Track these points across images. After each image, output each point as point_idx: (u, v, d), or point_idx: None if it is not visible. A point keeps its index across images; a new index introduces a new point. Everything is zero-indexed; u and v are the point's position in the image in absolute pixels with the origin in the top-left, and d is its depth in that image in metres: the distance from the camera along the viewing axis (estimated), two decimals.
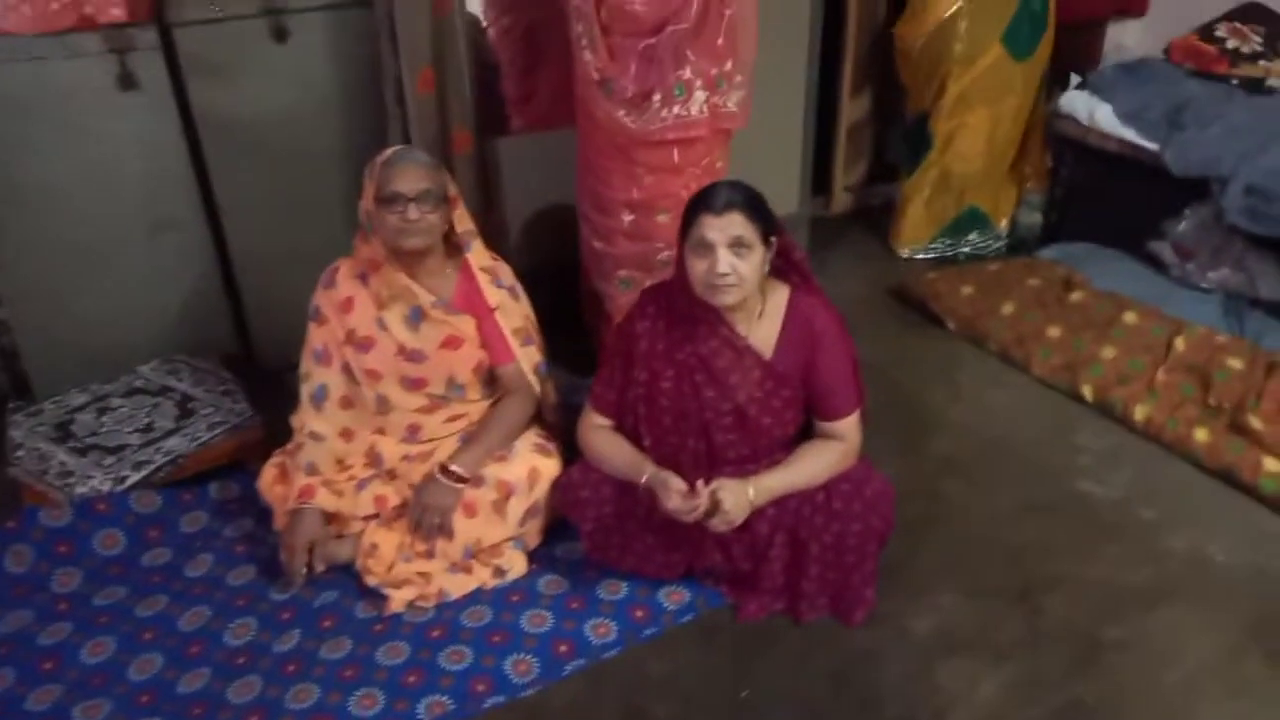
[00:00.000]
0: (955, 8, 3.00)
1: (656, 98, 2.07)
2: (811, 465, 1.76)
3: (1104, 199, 3.13)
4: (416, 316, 1.89)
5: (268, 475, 1.96)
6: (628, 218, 2.22)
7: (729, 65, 2.11)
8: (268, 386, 2.43)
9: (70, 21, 2.13)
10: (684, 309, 1.76)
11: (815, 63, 3.01)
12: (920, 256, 3.36)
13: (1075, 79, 3.20)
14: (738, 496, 1.67)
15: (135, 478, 2.05)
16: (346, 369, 1.93)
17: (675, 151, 2.15)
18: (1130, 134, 2.88)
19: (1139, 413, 2.36)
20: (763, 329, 1.77)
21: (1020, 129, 3.23)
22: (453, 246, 1.95)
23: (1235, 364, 2.37)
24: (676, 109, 2.09)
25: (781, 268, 1.81)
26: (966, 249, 3.37)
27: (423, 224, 1.81)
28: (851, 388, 1.80)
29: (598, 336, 2.43)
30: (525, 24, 2.85)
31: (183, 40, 2.27)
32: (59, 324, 2.38)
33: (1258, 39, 3.08)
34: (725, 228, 1.63)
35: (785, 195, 3.16)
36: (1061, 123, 3.06)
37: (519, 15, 2.85)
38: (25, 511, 1.96)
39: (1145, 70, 3.02)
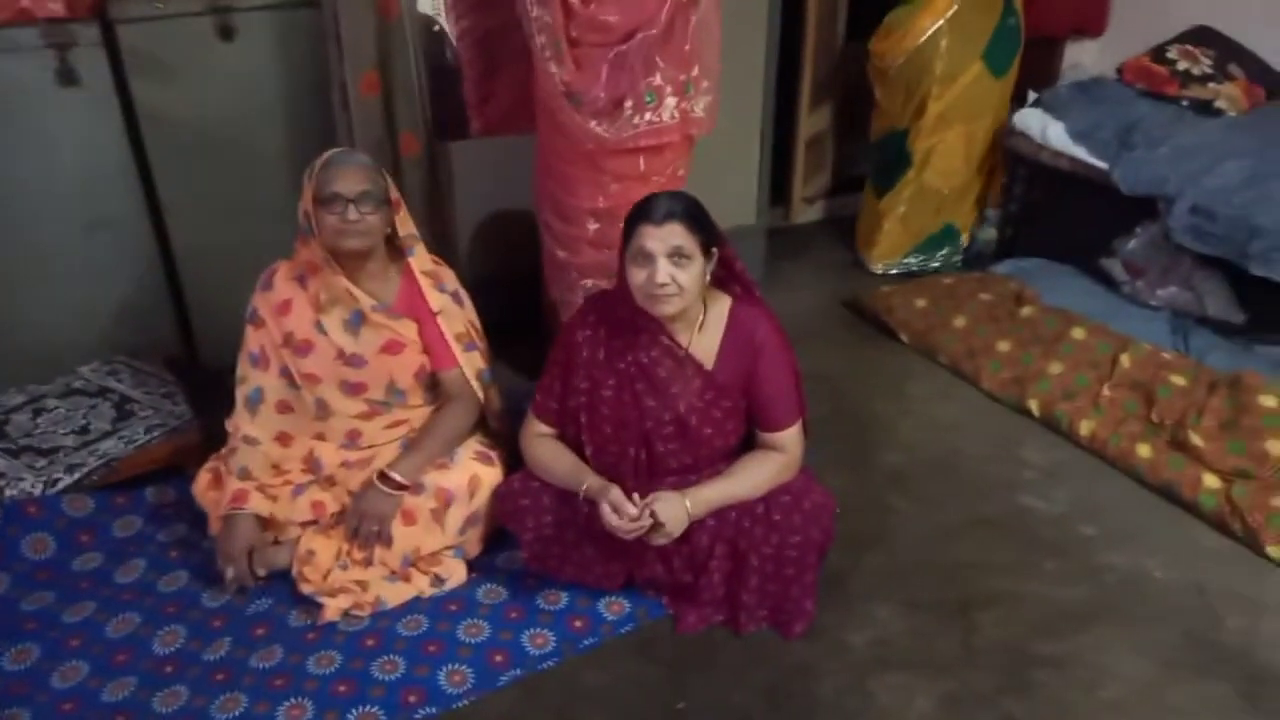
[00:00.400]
0: (936, 26, 3.02)
1: (628, 105, 2.08)
2: (751, 476, 1.75)
3: (1057, 216, 3.17)
4: (357, 320, 1.87)
5: (202, 480, 1.93)
6: (593, 226, 2.22)
7: (695, 71, 2.13)
8: (211, 388, 2.38)
9: (7, 15, 2.08)
10: (625, 318, 1.75)
11: (773, 74, 3.03)
12: (893, 271, 3.37)
13: (1032, 96, 3.24)
14: (675, 509, 1.66)
15: (67, 481, 2.01)
16: (284, 372, 1.90)
17: (642, 160, 2.16)
18: (1081, 152, 2.91)
19: (1084, 428, 2.38)
20: (704, 339, 1.76)
21: (991, 145, 3.26)
22: (395, 250, 1.93)
23: (1178, 381, 2.40)
24: (648, 115, 2.10)
25: (723, 278, 1.81)
26: (936, 264, 3.39)
27: (362, 225, 1.79)
28: (793, 399, 1.80)
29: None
30: (484, 28, 2.82)
31: (126, 36, 2.23)
32: None
33: (1208, 62, 3.13)
34: (665, 238, 1.63)
35: (743, 206, 3.18)
36: (1016, 140, 3.09)
37: (477, 19, 2.81)
38: None
39: (1098, 90, 3.07)
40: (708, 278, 1.73)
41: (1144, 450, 2.27)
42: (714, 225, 1.72)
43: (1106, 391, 2.44)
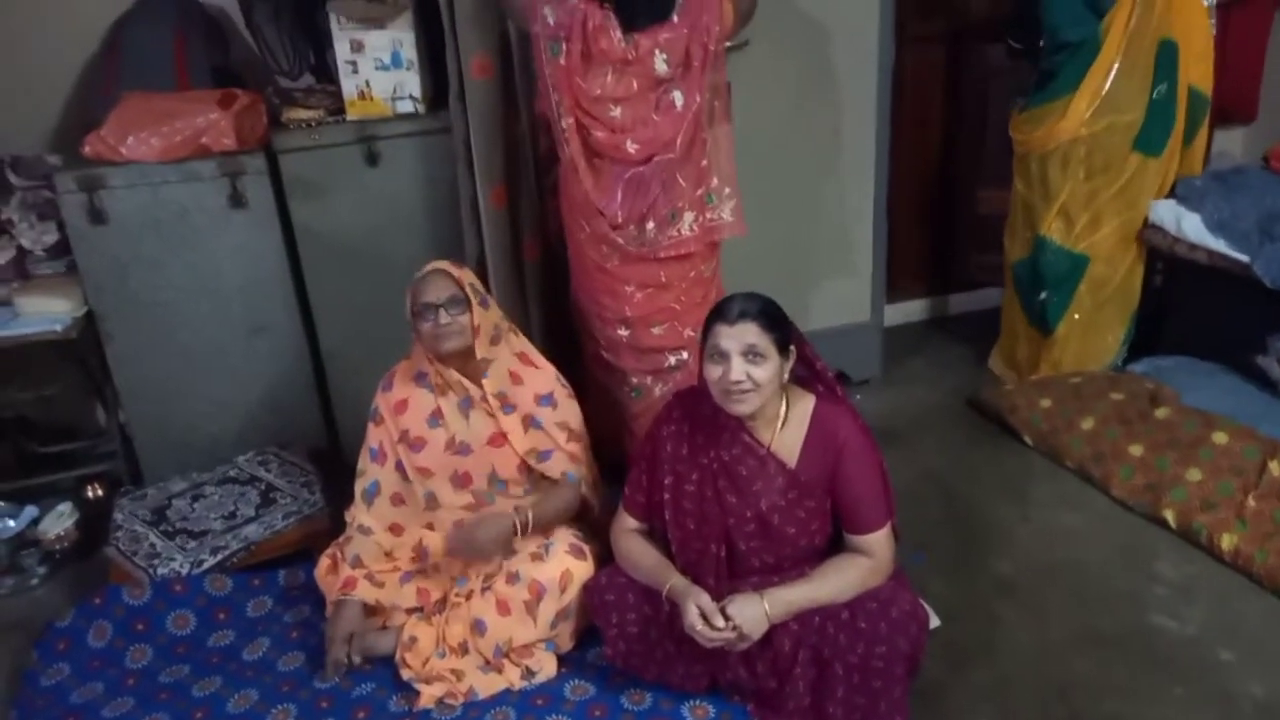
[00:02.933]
0: (1089, 115, 2.78)
1: (649, 225, 2.19)
2: (835, 580, 1.73)
3: (1198, 310, 2.98)
4: (466, 404, 2.01)
5: (322, 565, 2.08)
6: (623, 332, 2.31)
7: (715, 181, 2.22)
8: (348, 476, 2.55)
9: (190, 151, 2.42)
10: (708, 414, 1.80)
11: (884, 170, 3.04)
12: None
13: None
14: (752, 610, 1.66)
15: (211, 561, 2.22)
16: (399, 467, 2.05)
17: (662, 271, 2.25)
18: (1220, 245, 2.75)
19: (1225, 542, 2.20)
20: (787, 437, 1.78)
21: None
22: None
23: None
24: (670, 231, 2.21)
25: (806, 377, 1.83)
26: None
27: (454, 327, 1.94)
28: (880, 501, 1.78)
29: (617, 444, 2.46)
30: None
31: (287, 164, 2.53)
32: (168, 419, 2.62)
33: None
34: (739, 336, 1.68)
35: (855, 304, 3.17)
36: (1150, 233, 2.96)
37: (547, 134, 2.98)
38: (109, 589, 2.14)
39: (1237, 178, 2.90)
40: (786, 375, 1.76)
41: None
42: (789, 324, 1.76)
43: (1252, 502, 2.25)
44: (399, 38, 2.50)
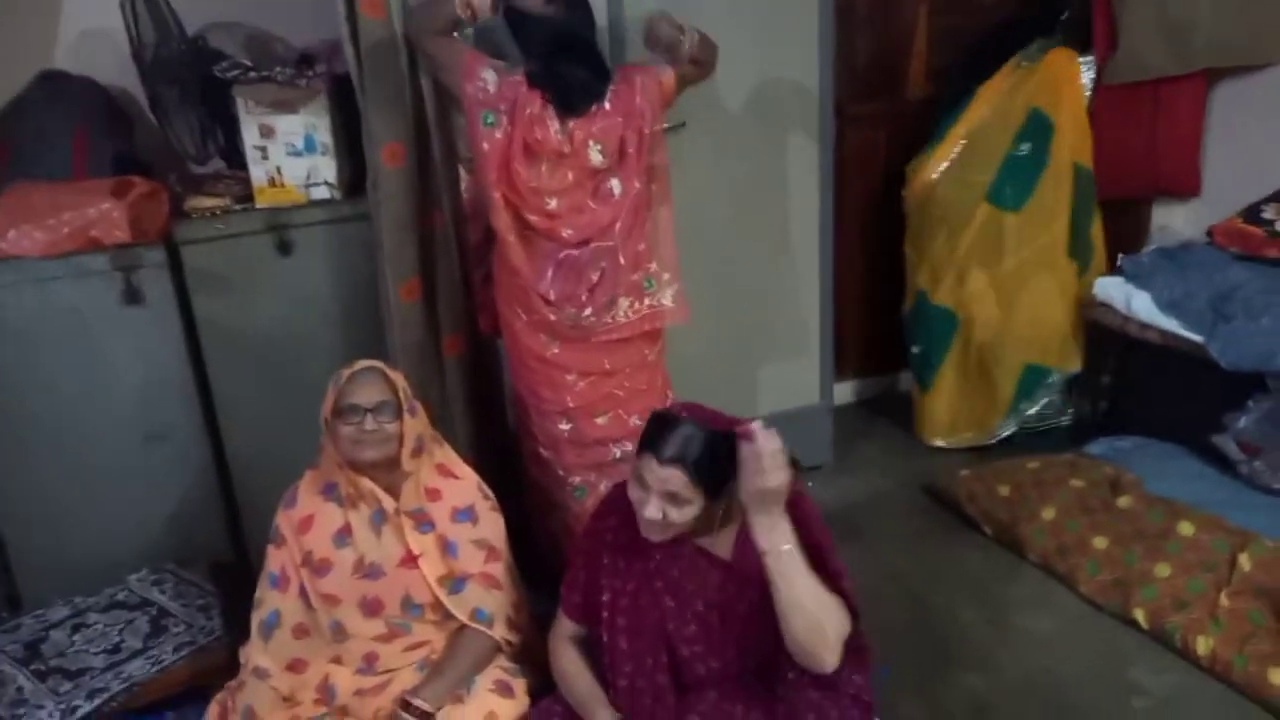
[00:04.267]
0: (942, 166, 2.98)
1: (587, 311, 2.05)
2: None
3: (1156, 389, 2.91)
4: (379, 520, 1.81)
5: (212, 713, 1.83)
6: (564, 426, 2.15)
7: (654, 266, 2.12)
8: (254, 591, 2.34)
9: (78, 244, 2.21)
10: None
11: (828, 244, 2.94)
12: (990, 442, 3.12)
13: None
14: None
15: (86, 709, 1.95)
16: (303, 593, 1.83)
17: (604, 358, 2.11)
18: (1173, 325, 2.69)
19: (1201, 645, 2.06)
20: (723, 531, 1.61)
21: (1041, 291, 3.02)
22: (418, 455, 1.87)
23: None
24: (607, 317, 2.08)
25: None
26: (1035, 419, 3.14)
27: (379, 434, 1.76)
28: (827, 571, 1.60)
29: (559, 553, 2.27)
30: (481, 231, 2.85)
31: (189, 256, 2.33)
32: (52, 537, 2.36)
33: None
34: (664, 480, 1.50)
35: (804, 386, 3.04)
36: (1099, 310, 2.89)
37: (477, 223, 2.84)
38: None
39: (1186, 255, 2.86)
40: (720, 511, 1.58)
41: (1277, 676, 1.93)
42: (723, 471, 1.54)
43: (1225, 600, 2.13)
44: (313, 122, 2.34)
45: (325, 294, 2.46)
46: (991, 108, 2.99)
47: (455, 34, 2.04)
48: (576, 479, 2.22)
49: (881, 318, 3.59)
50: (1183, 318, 2.67)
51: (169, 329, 2.36)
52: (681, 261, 2.60)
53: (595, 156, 1.99)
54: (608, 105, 1.99)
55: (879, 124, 3.40)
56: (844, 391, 3.55)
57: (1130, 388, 2.99)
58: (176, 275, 2.34)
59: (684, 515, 1.51)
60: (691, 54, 2.02)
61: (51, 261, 2.21)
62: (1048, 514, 2.54)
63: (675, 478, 1.49)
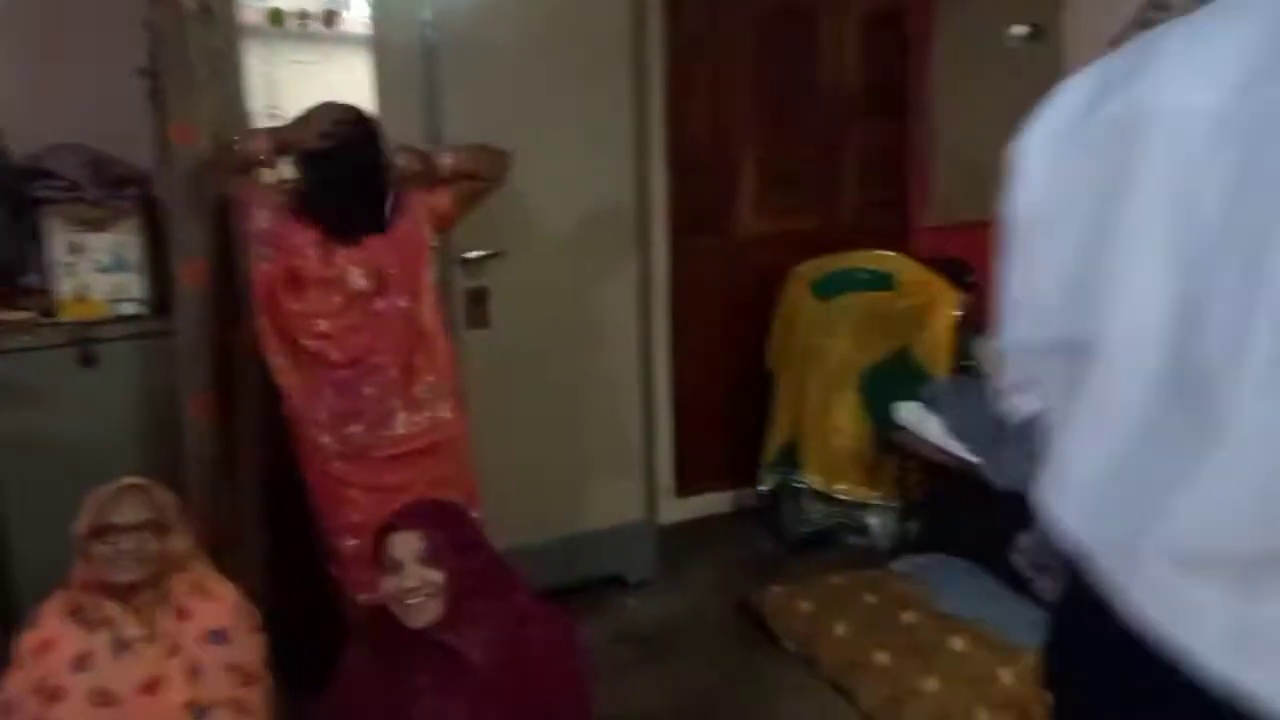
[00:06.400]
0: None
1: (358, 427, 2.11)
2: None
3: (957, 509, 3.06)
4: (123, 643, 1.79)
5: None
6: (351, 542, 2.18)
7: (430, 379, 2.18)
8: None
9: None
10: (393, 628, 1.67)
11: (654, 366, 3.08)
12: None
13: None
14: None
15: None
16: None
17: (388, 474, 2.15)
18: (959, 449, 2.86)
19: None
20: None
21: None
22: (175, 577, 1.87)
23: None
24: (383, 432, 2.13)
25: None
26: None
27: (138, 554, 1.76)
28: (571, 704, 1.65)
29: None
30: None
31: None
32: None
33: None
34: (407, 542, 1.60)
35: (628, 504, 3.11)
36: (900, 433, 3.06)
37: None
38: None
39: (975, 383, 3.06)
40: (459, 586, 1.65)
41: None
42: (469, 528, 1.67)
43: (983, 715, 2.21)
44: (122, 240, 2.43)
45: (129, 407, 2.48)
46: None
47: (250, 173, 2.15)
48: (363, 598, 2.23)
49: (739, 435, 3.71)
50: (968, 441, 2.85)
51: None
52: (502, 383, 2.71)
53: (358, 281, 2.09)
54: (381, 237, 2.11)
55: (714, 257, 3.61)
56: (696, 506, 3.65)
57: (933, 509, 3.14)
58: None
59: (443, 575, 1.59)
60: (456, 171, 2.16)
61: None
62: (840, 630, 2.62)
63: (411, 537, 1.60)
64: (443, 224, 2.24)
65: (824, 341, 3.24)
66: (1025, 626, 2.52)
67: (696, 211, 3.51)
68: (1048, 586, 2.72)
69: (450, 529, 1.68)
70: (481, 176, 2.24)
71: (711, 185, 3.54)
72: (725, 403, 3.70)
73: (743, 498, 3.73)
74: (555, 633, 1.68)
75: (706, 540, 3.49)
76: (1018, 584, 2.78)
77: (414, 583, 1.58)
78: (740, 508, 3.73)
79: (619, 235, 2.94)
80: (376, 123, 2.15)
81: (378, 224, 2.11)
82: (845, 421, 3.19)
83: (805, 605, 2.76)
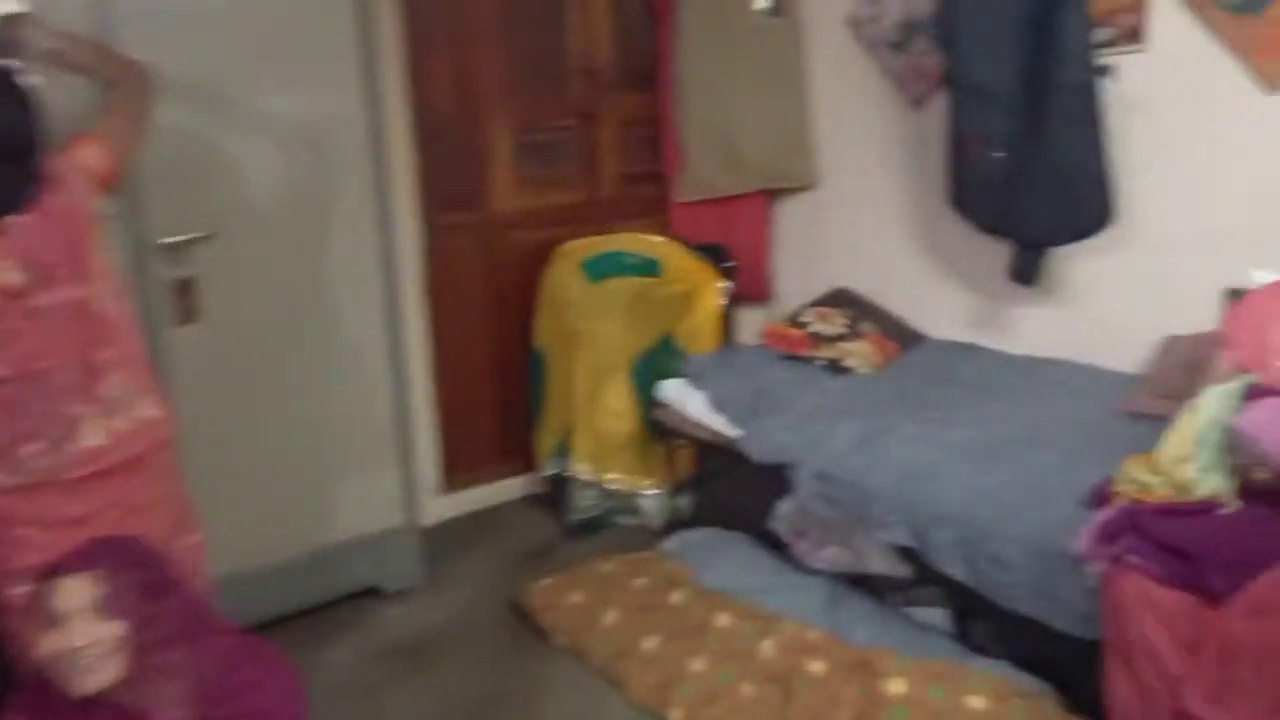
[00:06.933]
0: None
1: (37, 447, 1.75)
2: None
3: (722, 484, 3.07)
4: None
5: None
6: (20, 589, 1.82)
7: (120, 376, 1.82)
8: None
9: None
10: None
11: (407, 357, 2.86)
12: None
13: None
14: None
15: None
16: None
17: (70, 503, 1.78)
18: (720, 422, 2.85)
19: None
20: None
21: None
22: None
23: (817, 669, 2.21)
24: (68, 448, 1.75)
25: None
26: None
27: None
28: None
29: None
30: None
31: None
32: None
33: (843, 321, 3.24)
34: (77, 589, 1.35)
35: (385, 507, 2.88)
36: (663, 411, 3.03)
37: None
38: None
39: (739, 356, 3.09)
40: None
41: None
42: (160, 566, 1.41)
43: (747, 688, 2.20)
44: None
45: None
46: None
47: None
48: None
49: (507, 420, 3.55)
50: (729, 415, 2.85)
51: None
52: (221, 385, 2.40)
53: (13, 277, 1.73)
54: (29, 216, 1.74)
55: (471, 233, 3.42)
56: (462, 502, 3.45)
57: (703, 483, 3.14)
58: None
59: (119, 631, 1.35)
60: (77, 62, 1.84)
61: None
62: (609, 618, 2.54)
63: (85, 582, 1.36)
64: (108, 183, 1.85)
65: (594, 325, 3.14)
66: (793, 592, 2.57)
67: (449, 185, 3.31)
68: (805, 550, 2.80)
69: (135, 569, 1.42)
70: (96, 70, 1.87)
71: (463, 157, 3.34)
72: (494, 386, 3.54)
73: (526, 484, 3.59)
74: (265, 675, 1.47)
75: (478, 536, 3.32)
76: (780, 551, 2.83)
77: (82, 641, 1.33)
78: (525, 494, 3.58)
79: (356, 212, 2.68)
80: (12, 55, 1.75)
81: (20, 200, 1.73)
82: (616, 406, 3.11)
83: (575, 596, 2.67)
